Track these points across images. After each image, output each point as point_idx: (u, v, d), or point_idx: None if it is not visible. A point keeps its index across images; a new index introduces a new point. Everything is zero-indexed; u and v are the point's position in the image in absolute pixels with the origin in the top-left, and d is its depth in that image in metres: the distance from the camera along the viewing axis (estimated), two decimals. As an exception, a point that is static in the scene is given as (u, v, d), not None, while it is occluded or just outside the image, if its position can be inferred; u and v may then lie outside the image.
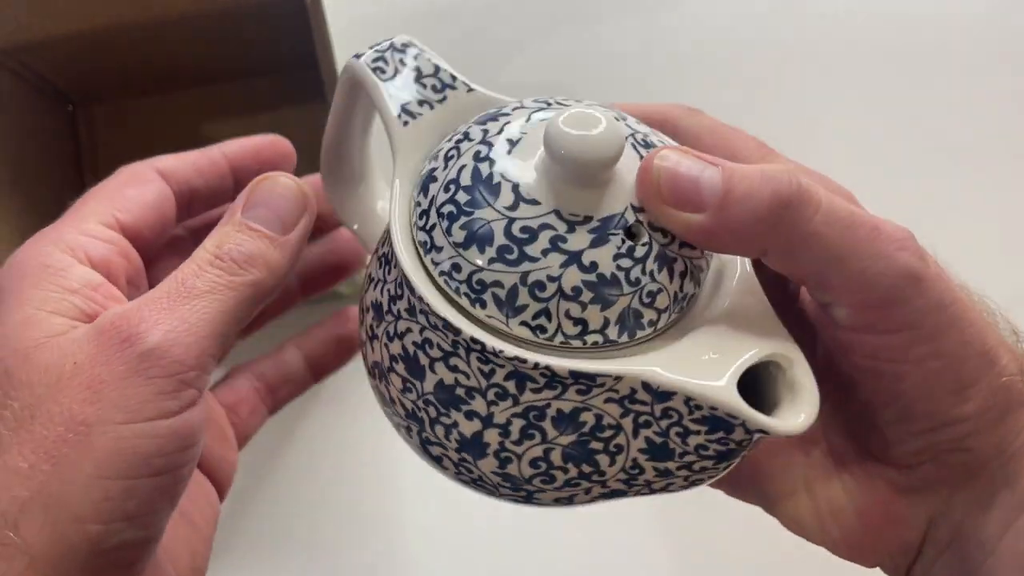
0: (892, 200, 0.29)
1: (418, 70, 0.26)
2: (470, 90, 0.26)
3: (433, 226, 0.22)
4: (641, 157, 0.22)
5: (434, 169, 0.23)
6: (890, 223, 0.21)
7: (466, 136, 0.23)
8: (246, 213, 0.24)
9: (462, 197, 0.21)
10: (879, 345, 0.21)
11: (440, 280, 0.21)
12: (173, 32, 0.47)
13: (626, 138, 0.22)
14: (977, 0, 0.58)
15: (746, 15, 0.57)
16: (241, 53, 0.51)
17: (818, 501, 0.24)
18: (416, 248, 0.22)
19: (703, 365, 0.20)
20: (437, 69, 0.26)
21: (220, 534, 0.52)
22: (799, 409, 0.20)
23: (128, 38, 0.47)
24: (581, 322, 0.21)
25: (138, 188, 0.26)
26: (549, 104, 0.24)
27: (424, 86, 0.25)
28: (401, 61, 0.26)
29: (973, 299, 0.23)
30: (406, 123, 0.24)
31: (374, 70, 0.25)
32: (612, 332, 0.21)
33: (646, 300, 0.21)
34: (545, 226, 0.20)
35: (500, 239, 0.21)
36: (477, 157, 0.22)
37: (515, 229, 0.20)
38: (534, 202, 0.21)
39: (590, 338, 0.21)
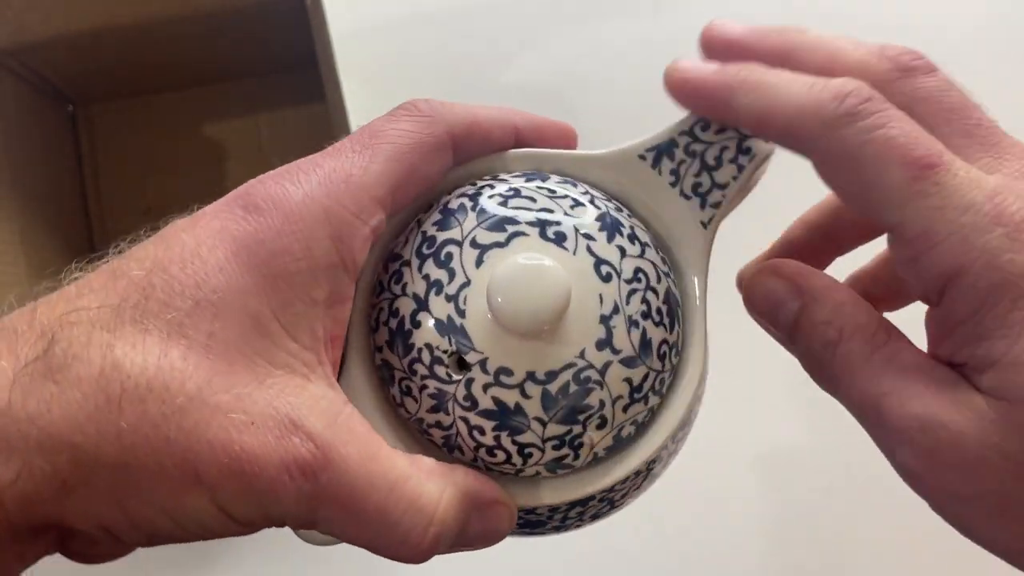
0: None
1: None
2: None
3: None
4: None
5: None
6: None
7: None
8: None
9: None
10: None
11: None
12: (173, 32, 0.47)
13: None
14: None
15: (748, 15, 0.57)
16: (241, 53, 0.51)
17: None
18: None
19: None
20: None
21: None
22: None
23: (128, 38, 0.47)
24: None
25: (427, 163, 0.23)
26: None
27: None
28: None
29: None
30: None
31: None
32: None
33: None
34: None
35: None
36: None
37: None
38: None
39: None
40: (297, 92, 0.52)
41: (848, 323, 0.22)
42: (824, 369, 0.22)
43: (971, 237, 0.20)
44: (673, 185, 0.24)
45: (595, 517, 0.24)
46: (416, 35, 0.56)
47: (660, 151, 0.24)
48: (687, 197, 0.24)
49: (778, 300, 0.23)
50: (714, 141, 0.24)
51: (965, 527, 0.21)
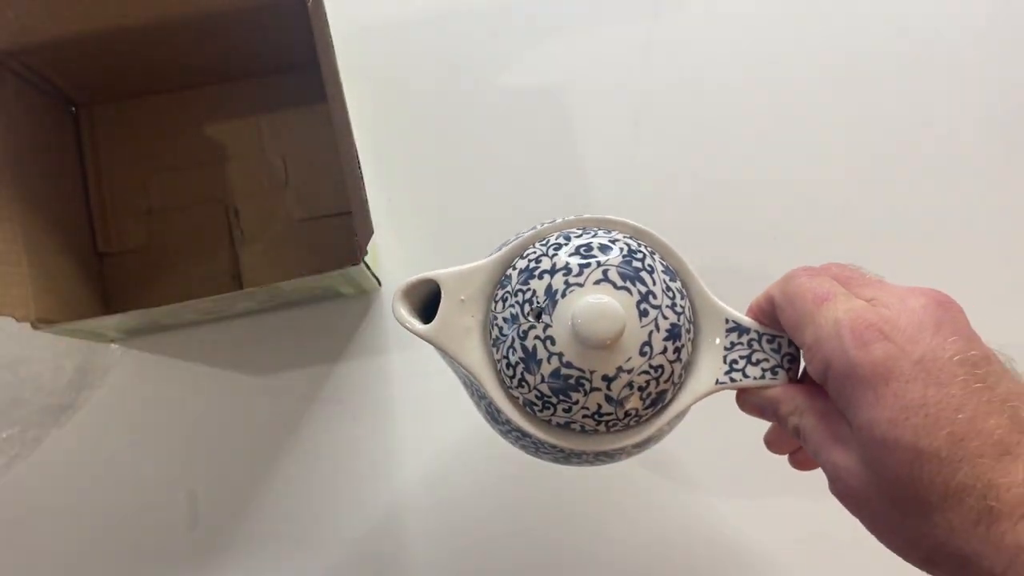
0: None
1: None
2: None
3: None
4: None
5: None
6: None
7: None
8: None
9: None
10: None
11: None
12: (174, 33, 0.48)
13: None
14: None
15: (754, 15, 0.57)
16: (242, 54, 0.51)
17: None
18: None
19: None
20: None
21: (220, 533, 0.52)
22: None
23: (130, 40, 0.47)
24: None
25: None
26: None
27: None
28: None
29: None
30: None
31: None
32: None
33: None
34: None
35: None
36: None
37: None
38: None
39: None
40: (298, 93, 0.53)
41: (803, 407, 0.33)
42: (797, 438, 0.33)
43: (832, 342, 0.31)
44: (726, 349, 0.35)
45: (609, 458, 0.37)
46: (416, 35, 0.56)
47: (740, 330, 0.35)
48: (724, 362, 0.35)
49: (764, 408, 0.35)
50: (768, 354, 0.35)
51: (877, 537, 0.31)
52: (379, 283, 0.52)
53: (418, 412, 0.52)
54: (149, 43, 0.48)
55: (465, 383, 0.38)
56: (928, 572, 0.30)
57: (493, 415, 0.37)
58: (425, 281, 0.35)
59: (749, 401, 0.36)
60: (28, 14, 0.43)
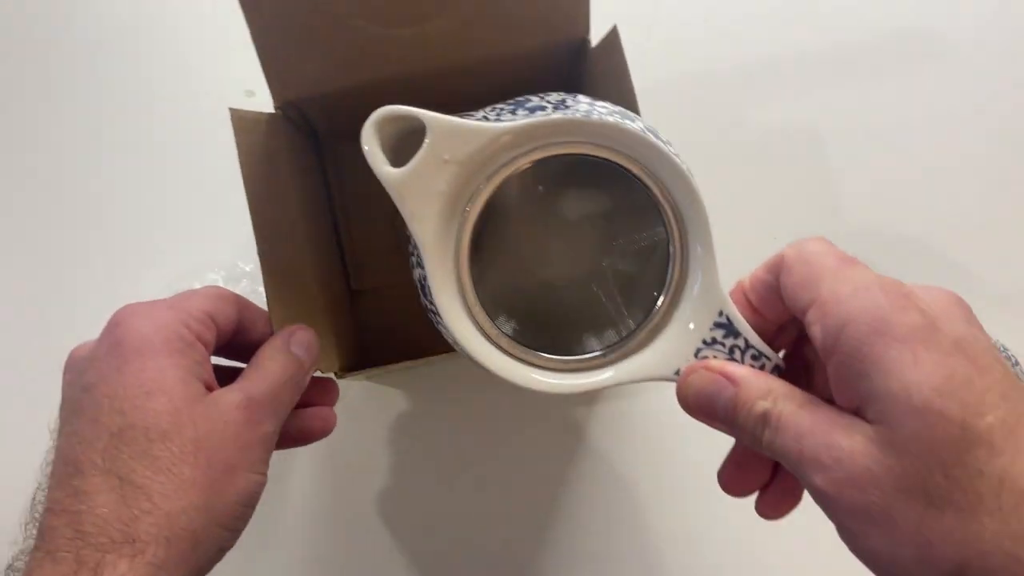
0: None
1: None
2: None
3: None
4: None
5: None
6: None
7: None
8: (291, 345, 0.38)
9: None
10: None
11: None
12: (447, 78, 0.47)
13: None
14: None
15: (759, 15, 0.57)
16: (509, 93, 0.51)
17: None
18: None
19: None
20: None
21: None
22: None
23: (410, 87, 0.47)
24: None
25: (223, 302, 0.38)
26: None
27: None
28: None
29: None
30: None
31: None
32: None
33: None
34: None
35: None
36: None
37: None
38: None
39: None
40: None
41: (779, 392, 0.29)
42: (762, 433, 0.28)
43: (862, 296, 0.27)
44: (704, 343, 0.32)
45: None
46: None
47: (730, 330, 0.31)
48: (695, 356, 0.32)
49: (715, 391, 0.30)
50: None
51: (859, 544, 0.26)
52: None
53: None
54: (424, 89, 0.48)
55: (408, 242, 0.35)
56: None
57: (423, 289, 0.34)
58: (410, 118, 0.31)
59: (695, 387, 0.31)
60: (323, 67, 0.44)
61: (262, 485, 0.34)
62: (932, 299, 0.27)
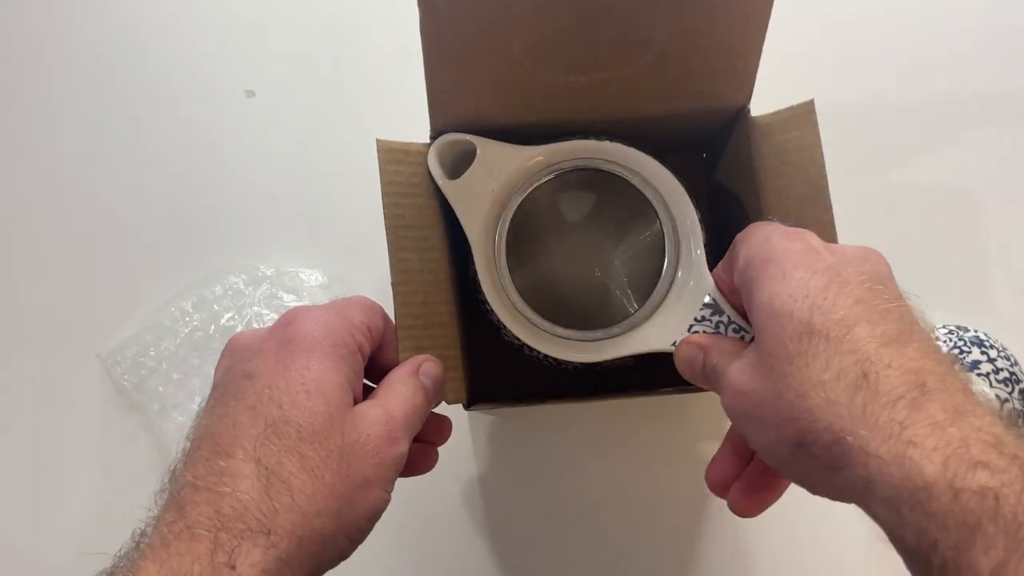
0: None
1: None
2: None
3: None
4: None
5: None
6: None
7: None
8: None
9: None
10: None
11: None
12: (601, 128, 0.48)
13: None
14: None
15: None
16: (664, 148, 0.51)
17: None
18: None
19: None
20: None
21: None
22: None
23: (552, 131, 0.47)
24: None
25: (376, 316, 0.39)
26: None
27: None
28: None
29: None
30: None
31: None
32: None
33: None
34: None
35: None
36: None
37: None
38: None
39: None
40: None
41: (725, 350, 0.35)
42: (713, 380, 0.35)
43: (765, 239, 0.33)
44: (695, 320, 0.39)
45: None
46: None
47: (715, 309, 0.39)
48: (688, 331, 0.40)
49: (693, 356, 0.37)
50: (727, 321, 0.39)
51: (752, 443, 0.31)
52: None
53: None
54: (572, 135, 0.48)
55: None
56: (797, 461, 0.29)
57: (475, 284, 0.43)
58: (464, 141, 0.41)
59: (681, 355, 0.38)
60: (487, 102, 0.44)
61: (387, 504, 0.35)
62: (845, 247, 0.32)
